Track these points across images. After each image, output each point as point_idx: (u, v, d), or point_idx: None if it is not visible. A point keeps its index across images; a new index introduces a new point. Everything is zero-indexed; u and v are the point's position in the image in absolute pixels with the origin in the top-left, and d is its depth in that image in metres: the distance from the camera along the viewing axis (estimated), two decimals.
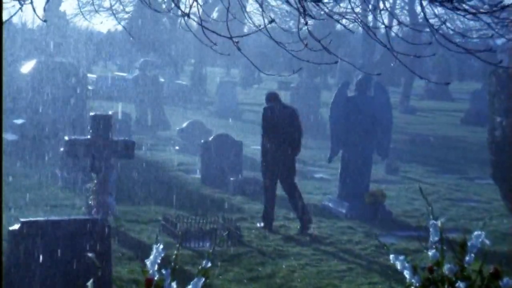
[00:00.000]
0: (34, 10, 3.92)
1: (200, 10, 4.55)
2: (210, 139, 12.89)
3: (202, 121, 16.84)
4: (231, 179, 11.83)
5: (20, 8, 3.66)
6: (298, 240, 9.14)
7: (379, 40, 4.93)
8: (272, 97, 10.01)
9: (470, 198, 12.69)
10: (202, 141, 13.00)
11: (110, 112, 17.19)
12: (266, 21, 4.34)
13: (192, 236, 8.73)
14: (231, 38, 4.38)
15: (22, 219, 6.57)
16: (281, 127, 9.68)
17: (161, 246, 4.41)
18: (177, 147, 16.05)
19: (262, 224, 9.70)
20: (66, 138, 9.21)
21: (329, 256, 8.46)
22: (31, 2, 3.89)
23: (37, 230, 6.48)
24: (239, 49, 4.36)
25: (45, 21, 3.89)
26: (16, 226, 6.49)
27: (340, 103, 10.71)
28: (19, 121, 14.64)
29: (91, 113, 9.32)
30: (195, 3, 4.51)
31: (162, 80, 23.65)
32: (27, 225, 6.48)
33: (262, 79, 46.59)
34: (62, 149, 11.61)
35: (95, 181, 8.96)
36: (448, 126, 26.12)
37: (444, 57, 38.25)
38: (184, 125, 16.18)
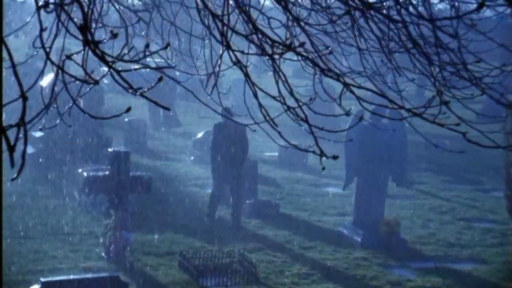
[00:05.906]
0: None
1: None
2: None
3: None
4: (247, 201, 11.85)
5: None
6: (314, 275, 9.20)
7: (389, 99, 4.93)
8: (224, 113, 10.67)
9: (486, 218, 12.62)
10: None
11: (126, 119, 17.36)
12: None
13: (208, 273, 8.84)
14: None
15: (42, 279, 6.71)
16: (229, 144, 11.10)
17: None
18: (192, 157, 16.09)
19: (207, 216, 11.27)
20: (85, 174, 9.32)
21: None
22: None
23: None
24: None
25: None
26: (37, 287, 6.62)
27: (355, 131, 10.70)
28: (38, 134, 14.73)
29: (110, 149, 9.42)
30: None
31: (177, 73, 23.53)
32: (47, 286, 6.61)
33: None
34: (80, 170, 11.71)
35: (113, 218, 9.07)
36: (464, 123, 25.91)
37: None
38: (199, 135, 16.20)
